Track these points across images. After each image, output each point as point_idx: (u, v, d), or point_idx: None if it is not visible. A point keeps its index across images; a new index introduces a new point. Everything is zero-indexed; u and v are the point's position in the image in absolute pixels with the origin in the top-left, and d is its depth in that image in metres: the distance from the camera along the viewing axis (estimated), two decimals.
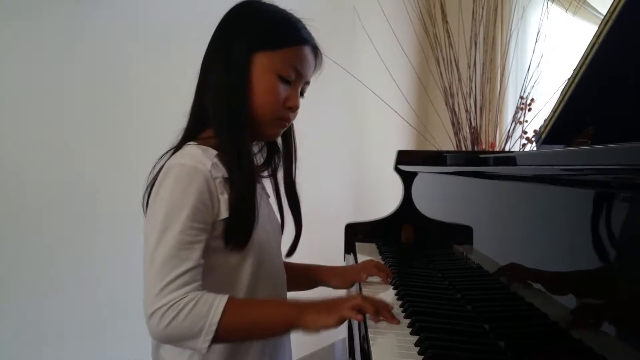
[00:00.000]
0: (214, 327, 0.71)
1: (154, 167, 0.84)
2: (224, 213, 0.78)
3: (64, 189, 1.37)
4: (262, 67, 0.82)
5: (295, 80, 0.85)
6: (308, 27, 0.88)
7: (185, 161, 0.77)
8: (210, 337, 0.71)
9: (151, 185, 0.83)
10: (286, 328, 0.79)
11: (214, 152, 0.81)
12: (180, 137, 0.87)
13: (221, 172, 0.79)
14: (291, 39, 0.85)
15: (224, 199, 0.78)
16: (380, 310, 0.81)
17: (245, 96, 0.82)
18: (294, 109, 0.86)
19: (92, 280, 1.43)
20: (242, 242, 0.80)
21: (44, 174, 1.34)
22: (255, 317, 0.77)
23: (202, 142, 0.83)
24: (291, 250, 0.99)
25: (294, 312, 0.76)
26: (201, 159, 0.78)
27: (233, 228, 0.79)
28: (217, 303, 0.72)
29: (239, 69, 0.82)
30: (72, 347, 1.39)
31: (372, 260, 1.14)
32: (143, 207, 0.85)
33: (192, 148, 0.80)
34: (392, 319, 0.81)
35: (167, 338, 0.73)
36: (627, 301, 0.50)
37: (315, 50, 0.88)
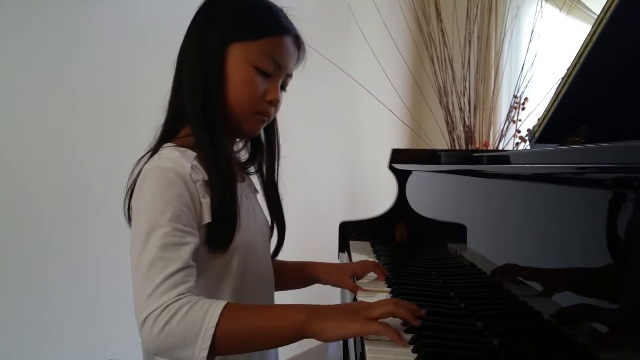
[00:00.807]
0: (211, 332, 0.64)
1: (132, 171, 0.81)
2: (206, 217, 0.75)
3: (63, 188, 1.38)
4: (238, 59, 0.78)
5: (274, 73, 0.81)
6: (291, 17, 0.84)
7: (162, 164, 0.73)
8: (207, 344, 0.64)
9: (131, 190, 0.80)
10: (294, 336, 0.68)
11: (193, 153, 0.77)
12: (157, 136, 0.83)
13: (201, 174, 0.76)
14: (269, 28, 0.80)
15: (206, 202, 0.75)
16: (415, 315, 0.73)
17: (219, 88, 0.78)
18: (274, 102, 0.82)
19: (89, 279, 1.43)
20: (224, 245, 0.77)
21: (43, 173, 1.34)
22: (258, 322, 0.68)
23: (180, 141, 0.79)
24: (274, 254, 0.96)
25: (302, 318, 0.68)
26: (180, 161, 0.74)
27: (214, 231, 0.76)
28: (214, 307, 0.66)
29: (213, 60, 0.78)
30: (71, 344, 1.39)
31: (368, 260, 1.12)
32: (124, 212, 0.82)
33: (169, 151, 0.76)
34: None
35: (161, 346, 0.65)
36: (619, 298, 0.51)
37: (297, 41, 0.84)
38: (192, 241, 0.71)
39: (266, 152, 0.91)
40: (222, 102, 0.79)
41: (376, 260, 1.16)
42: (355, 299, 0.97)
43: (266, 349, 0.79)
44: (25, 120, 1.30)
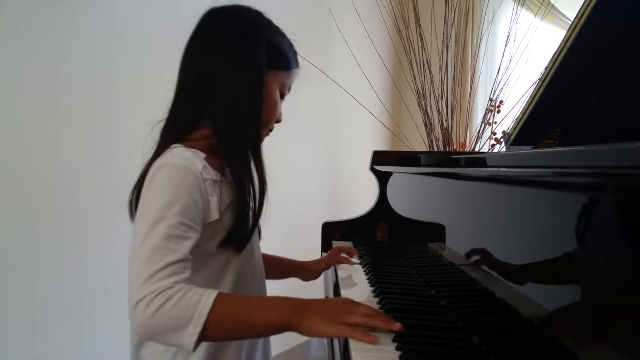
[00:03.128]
0: (203, 319, 0.66)
1: (143, 169, 0.83)
2: (214, 215, 0.79)
3: (50, 187, 1.37)
4: (272, 84, 0.87)
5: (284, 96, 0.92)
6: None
7: (176, 161, 0.77)
8: (198, 329, 0.66)
9: (136, 186, 0.82)
10: (279, 328, 0.72)
11: (203, 154, 0.81)
12: (161, 136, 0.85)
13: (210, 174, 0.80)
14: (294, 61, 0.91)
15: (213, 200, 0.79)
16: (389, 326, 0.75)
17: (260, 109, 0.85)
18: (280, 122, 0.93)
19: (76, 278, 1.42)
20: (241, 247, 0.83)
21: (30, 172, 1.33)
22: (246, 312, 0.71)
23: (189, 143, 0.82)
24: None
25: (288, 312, 0.71)
26: (192, 160, 0.78)
27: (233, 237, 0.81)
28: (207, 295, 0.68)
29: (258, 84, 0.84)
30: (59, 343, 1.38)
31: (338, 248, 1.24)
32: (130, 208, 0.84)
33: (181, 150, 0.80)
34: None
35: (152, 330, 0.67)
36: (593, 296, 0.53)
37: (299, 69, 0.94)
38: (194, 237, 0.74)
39: None
40: (258, 120, 0.85)
41: (339, 245, 1.28)
42: (339, 294, 1.02)
43: (251, 338, 0.82)
44: (11, 120, 1.29)
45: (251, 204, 0.83)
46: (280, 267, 1.14)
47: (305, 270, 1.17)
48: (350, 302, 0.76)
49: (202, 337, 0.67)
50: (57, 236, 1.39)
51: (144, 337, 0.72)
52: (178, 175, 0.76)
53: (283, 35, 0.91)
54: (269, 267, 1.04)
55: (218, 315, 0.68)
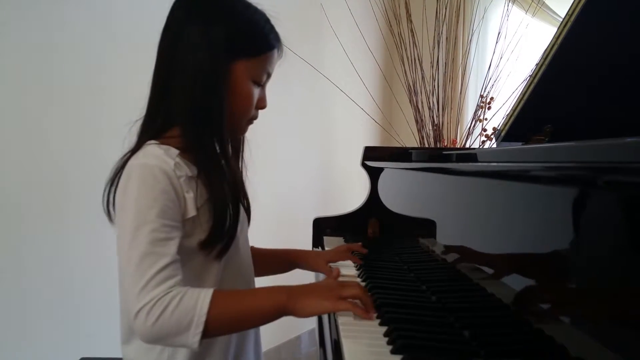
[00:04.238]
0: (203, 319, 0.69)
1: (114, 167, 0.82)
2: (191, 211, 0.77)
3: (40, 186, 1.36)
4: (241, 75, 0.82)
5: (265, 82, 0.86)
6: (274, 21, 0.86)
7: (147, 161, 0.76)
8: (200, 329, 0.69)
9: (110, 183, 0.81)
10: (276, 314, 0.76)
11: (176, 151, 0.79)
12: (138, 133, 0.84)
13: (184, 170, 0.78)
14: (267, 45, 0.84)
15: (190, 197, 0.77)
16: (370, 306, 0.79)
17: (225, 104, 0.80)
18: (264, 107, 0.87)
19: (65, 278, 1.41)
20: (223, 251, 0.81)
21: (20, 171, 1.32)
22: (243, 306, 0.75)
23: (163, 141, 0.80)
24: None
25: (283, 298, 0.75)
26: (164, 158, 0.77)
27: (214, 239, 0.79)
28: (204, 295, 0.71)
29: (219, 77, 0.79)
30: (48, 343, 1.37)
31: (344, 245, 1.19)
32: (103, 206, 0.83)
33: (153, 148, 0.78)
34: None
35: (156, 336, 0.69)
36: (584, 290, 0.54)
37: (280, 46, 0.88)
38: (178, 235, 0.75)
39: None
40: (225, 116, 0.81)
41: (348, 244, 1.22)
42: None
43: (251, 327, 0.84)
44: (2, 118, 1.27)
45: (229, 202, 0.81)
46: (280, 258, 1.10)
47: (311, 259, 1.10)
48: (340, 281, 0.81)
49: (204, 336, 0.70)
50: (47, 234, 1.37)
51: (149, 343, 0.73)
52: (151, 176, 0.74)
53: (252, 15, 0.83)
54: (267, 262, 1.03)
55: (216, 313, 0.70)
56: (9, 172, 1.30)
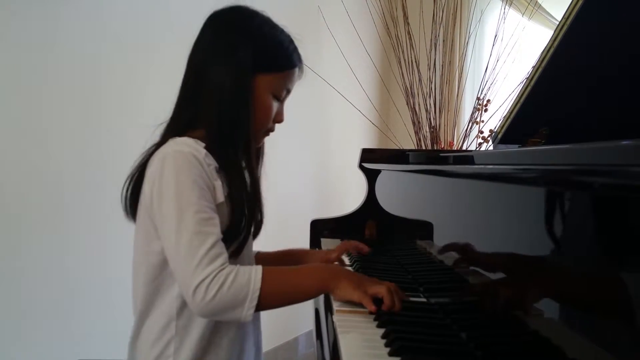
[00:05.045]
0: (257, 294, 0.75)
1: (136, 162, 0.86)
2: (219, 197, 0.81)
3: (40, 186, 1.36)
4: (263, 88, 0.87)
5: (284, 97, 0.92)
6: (297, 43, 0.93)
7: (180, 148, 0.80)
8: (254, 303, 0.75)
9: (129, 179, 0.85)
10: (319, 292, 0.85)
11: (203, 144, 0.83)
12: (162, 134, 0.88)
13: (213, 161, 0.82)
14: (290, 63, 0.90)
15: (218, 185, 0.82)
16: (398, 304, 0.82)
17: (248, 115, 0.85)
18: (281, 122, 0.93)
19: (64, 279, 1.40)
20: (237, 253, 0.84)
21: (19, 172, 1.32)
22: (291, 282, 0.82)
23: (190, 135, 0.84)
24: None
25: (327, 277, 0.82)
26: (195, 146, 0.81)
27: (228, 237, 0.81)
28: (255, 272, 0.76)
29: (244, 89, 0.84)
30: (46, 343, 1.36)
31: (352, 242, 1.20)
32: (122, 200, 0.86)
33: (183, 138, 0.83)
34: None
35: (214, 310, 0.74)
36: (579, 292, 0.54)
37: (302, 66, 0.93)
38: (217, 216, 0.80)
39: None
40: (247, 124, 0.86)
41: (356, 242, 1.22)
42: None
43: (297, 302, 0.86)
44: (1, 118, 1.28)
45: (245, 205, 0.85)
46: (285, 260, 1.09)
47: (316, 259, 1.12)
48: (374, 278, 0.86)
49: (257, 309, 0.76)
50: (45, 236, 1.37)
51: (206, 317, 0.79)
52: (186, 161, 0.79)
53: (277, 35, 0.90)
54: (272, 264, 1.03)
55: (268, 287, 0.76)
56: (9, 172, 1.29)
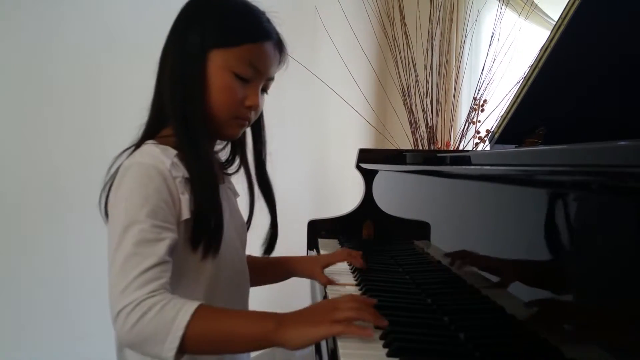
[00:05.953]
0: (180, 333, 0.64)
1: (110, 166, 0.81)
2: (185, 214, 0.75)
3: (38, 186, 1.36)
4: (217, 65, 0.79)
5: (254, 79, 0.81)
6: (273, 20, 0.84)
7: (143, 160, 0.74)
8: (175, 344, 0.64)
9: (108, 185, 0.80)
10: (262, 343, 0.68)
11: (174, 151, 0.77)
12: (140, 134, 0.83)
13: (181, 171, 0.76)
14: (248, 35, 0.80)
15: (184, 199, 0.75)
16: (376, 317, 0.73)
17: (199, 93, 0.78)
18: (254, 107, 0.82)
19: (62, 279, 1.40)
20: (214, 246, 0.78)
21: (16, 171, 1.32)
22: (227, 327, 0.68)
23: (161, 140, 0.79)
24: (269, 248, 0.97)
25: (271, 326, 0.67)
26: (160, 157, 0.75)
27: (199, 232, 0.76)
28: (186, 308, 0.66)
29: (193, 65, 0.78)
30: (45, 343, 1.36)
31: (344, 250, 1.15)
32: (100, 207, 0.82)
33: (150, 147, 0.77)
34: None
35: (133, 340, 0.67)
36: (578, 293, 0.54)
37: (279, 45, 0.84)
38: (170, 237, 0.72)
39: (253, 140, 0.93)
40: (203, 107, 0.79)
41: (349, 250, 1.16)
42: (325, 295, 1.00)
43: (233, 353, 0.80)
44: (1, 119, 1.27)
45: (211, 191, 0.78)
46: (276, 267, 1.07)
47: (307, 265, 1.07)
48: (332, 300, 0.73)
49: (181, 351, 0.66)
50: (45, 234, 1.37)
51: (127, 346, 0.71)
52: (146, 175, 0.72)
53: (233, 7, 0.82)
54: (262, 271, 1.01)
55: (196, 329, 0.66)
56: (8, 172, 1.29)
